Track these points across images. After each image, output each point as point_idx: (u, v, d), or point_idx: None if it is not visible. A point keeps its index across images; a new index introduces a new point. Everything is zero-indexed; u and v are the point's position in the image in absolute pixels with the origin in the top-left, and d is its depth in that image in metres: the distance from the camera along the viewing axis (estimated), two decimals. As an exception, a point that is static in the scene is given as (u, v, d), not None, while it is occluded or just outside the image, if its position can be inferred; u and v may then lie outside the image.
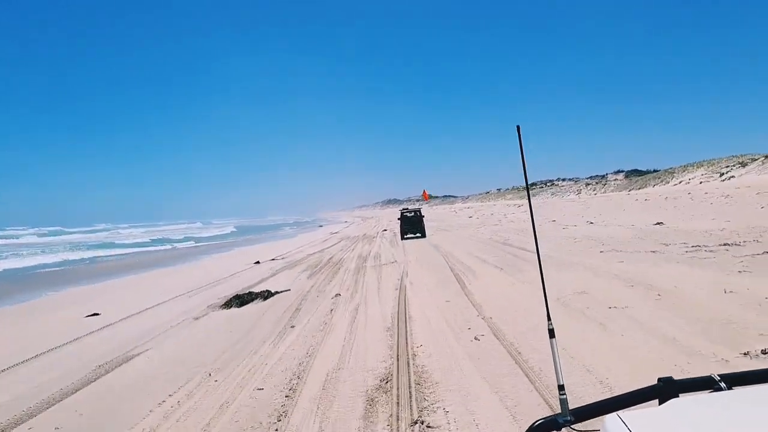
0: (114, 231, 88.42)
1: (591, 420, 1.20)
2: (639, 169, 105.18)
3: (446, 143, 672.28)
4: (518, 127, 1.66)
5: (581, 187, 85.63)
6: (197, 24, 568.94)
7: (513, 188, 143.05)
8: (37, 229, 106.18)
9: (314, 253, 24.60)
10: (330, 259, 21.08)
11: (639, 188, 56.30)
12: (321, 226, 76.77)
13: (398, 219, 30.76)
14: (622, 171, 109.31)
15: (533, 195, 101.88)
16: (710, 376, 1.20)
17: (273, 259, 23.05)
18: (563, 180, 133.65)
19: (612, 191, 69.76)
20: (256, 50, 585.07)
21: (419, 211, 30.08)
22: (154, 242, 49.53)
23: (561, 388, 1.43)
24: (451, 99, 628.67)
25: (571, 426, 1.23)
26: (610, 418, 1.07)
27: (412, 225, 29.07)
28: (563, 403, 1.32)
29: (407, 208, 31.69)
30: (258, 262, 21.85)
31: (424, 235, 28.50)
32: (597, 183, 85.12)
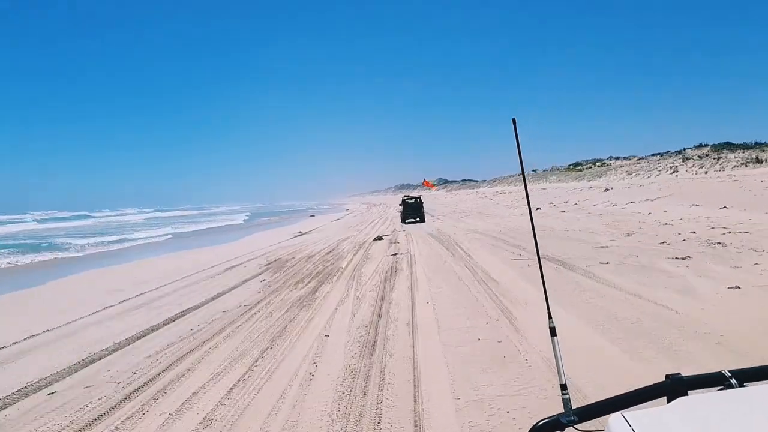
0: (112, 218, 76.20)
1: (596, 419, 1.17)
2: (731, 141, 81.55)
3: (462, 125, 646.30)
4: (514, 120, 1.63)
5: (676, 164, 62.88)
6: (235, 7, 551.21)
7: (554, 168, 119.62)
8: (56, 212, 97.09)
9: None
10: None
11: None
12: (312, 216, 60.44)
13: (400, 205, 33.08)
14: (706, 144, 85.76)
15: (599, 175, 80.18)
16: (720, 373, 1.13)
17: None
18: (616, 158, 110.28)
19: (735, 166, 47.79)
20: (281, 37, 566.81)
21: (419, 198, 32.26)
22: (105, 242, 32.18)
23: (563, 387, 1.36)
24: (467, 81, 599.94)
25: (575, 426, 1.18)
26: (614, 418, 1.02)
27: (413, 210, 30.61)
28: (566, 402, 1.26)
29: (408, 195, 34.29)
30: None
31: (423, 220, 30.11)
32: (702, 157, 62.20)
